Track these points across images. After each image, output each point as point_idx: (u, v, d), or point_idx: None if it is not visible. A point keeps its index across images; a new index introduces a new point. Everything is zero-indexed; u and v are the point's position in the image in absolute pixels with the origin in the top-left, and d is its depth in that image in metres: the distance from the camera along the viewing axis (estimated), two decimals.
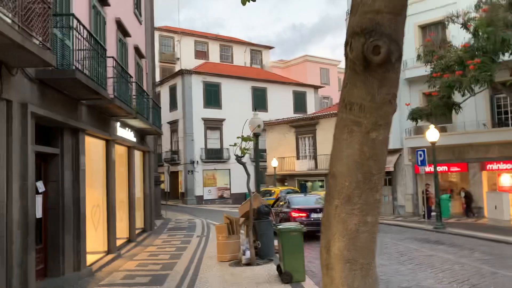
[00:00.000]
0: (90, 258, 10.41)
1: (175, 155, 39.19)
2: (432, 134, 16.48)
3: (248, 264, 9.82)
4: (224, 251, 10.45)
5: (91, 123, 10.13)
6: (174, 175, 39.78)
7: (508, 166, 20.12)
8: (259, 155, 10.82)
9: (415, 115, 18.32)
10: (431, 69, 18.56)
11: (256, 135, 11.04)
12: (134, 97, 13.15)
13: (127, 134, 13.54)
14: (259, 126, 10.90)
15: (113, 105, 10.08)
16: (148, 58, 18.65)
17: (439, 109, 17.53)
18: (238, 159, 10.11)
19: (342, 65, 61.29)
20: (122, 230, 13.87)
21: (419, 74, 23.10)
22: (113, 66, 10.05)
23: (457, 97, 18.39)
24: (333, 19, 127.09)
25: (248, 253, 9.99)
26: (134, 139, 14.53)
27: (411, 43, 24.18)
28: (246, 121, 11.15)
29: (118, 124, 12.41)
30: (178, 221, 22.63)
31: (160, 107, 18.95)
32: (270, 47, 53.28)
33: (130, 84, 11.90)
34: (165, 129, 41.42)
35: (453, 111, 18.23)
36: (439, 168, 22.16)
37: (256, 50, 51.53)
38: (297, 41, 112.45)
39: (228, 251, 10.42)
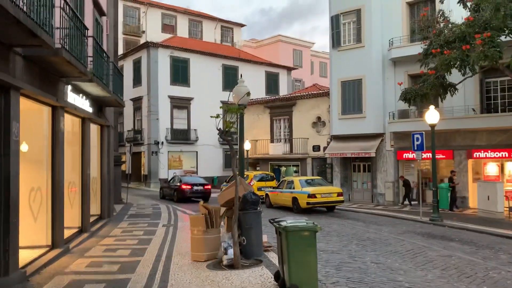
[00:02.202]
0: (25, 256, 8.10)
1: (138, 135, 36.44)
2: (432, 115, 14.87)
3: (231, 265, 7.80)
4: (200, 249, 8.37)
5: (30, 81, 7.72)
6: (136, 156, 37.05)
7: (496, 154, 18.98)
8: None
9: (408, 95, 16.71)
10: (425, 46, 16.95)
11: (242, 107, 8.92)
12: (91, 57, 10.68)
13: (81, 102, 11.10)
14: (248, 93, 8.76)
15: (60, 58, 7.69)
16: (110, 18, 16.02)
17: (435, 90, 15.97)
18: (222, 134, 8.01)
19: (316, 47, 59.67)
20: (72, 218, 11.49)
21: (405, 54, 21.61)
22: (61, 7, 7.63)
23: (451, 78, 16.94)
24: (302, 5, 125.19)
25: (230, 251, 7.96)
26: (90, 110, 12.08)
27: (398, 21, 22.61)
28: (229, 94, 9.01)
29: (69, 88, 9.97)
30: (141, 207, 20.30)
31: (123, 75, 16.40)
32: (242, 25, 50.79)
33: (85, 38, 9.47)
34: (128, 107, 38.45)
35: (448, 93, 16.72)
36: (423, 155, 20.90)
37: (227, 27, 48.94)
38: (265, 25, 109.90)
39: (206, 249, 8.35)
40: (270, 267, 7.61)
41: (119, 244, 10.73)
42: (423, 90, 16.29)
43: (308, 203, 17.28)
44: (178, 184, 23.54)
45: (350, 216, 17.12)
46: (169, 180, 26.03)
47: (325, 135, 25.55)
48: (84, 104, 11.33)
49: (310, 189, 17.57)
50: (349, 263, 8.31)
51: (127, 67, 38.39)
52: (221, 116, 8.14)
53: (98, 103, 13.26)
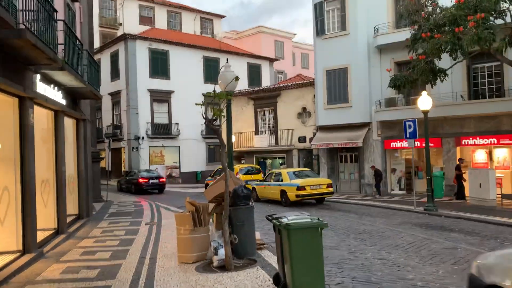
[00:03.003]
0: None
1: (117, 130, 35.28)
2: (425, 101, 14.35)
3: (222, 267, 7.11)
4: (187, 249, 7.64)
5: None
6: (117, 152, 35.93)
7: (485, 141, 18.70)
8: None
9: (397, 82, 16.20)
10: (413, 31, 16.47)
11: (230, 93, 8.18)
12: (62, 45, 9.78)
13: (53, 94, 10.19)
14: (237, 78, 8.00)
15: (24, 41, 6.82)
16: (83, 5, 15.02)
17: (425, 75, 15.48)
18: (210, 123, 7.27)
19: (297, 38, 59.04)
20: (47, 219, 10.63)
21: (391, 40, 21.16)
22: None
23: (440, 64, 16.51)
24: None
25: (221, 251, 7.27)
26: (64, 102, 11.16)
27: (383, 7, 22.11)
28: (219, 73, 8.25)
29: (39, 77, 9.07)
30: (122, 204, 19.43)
31: (98, 65, 15.43)
32: (222, 16, 49.73)
33: (54, 22, 8.57)
34: (106, 101, 37.24)
35: (438, 79, 16.26)
36: (406, 144, 20.42)
37: (207, 18, 47.81)
38: (244, 18, 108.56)
39: (194, 249, 7.62)
40: (266, 268, 6.94)
41: (98, 246, 9.93)
42: (413, 76, 15.80)
43: (297, 196, 16.67)
44: (136, 178, 26.45)
45: (340, 208, 16.60)
46: (126, 174, 28.52)
47: (311, 125, 24.98)
48: (56, 95, 10.42)
49: (299, 181, 16.97)
50: (350, 260, 7.71)
51: (104, 60, 37.10)
52: (205, 103, 7.42)
53: (72, 95, 12.33)
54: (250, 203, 7.90)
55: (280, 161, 27.20)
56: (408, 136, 14.60)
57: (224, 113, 7.70)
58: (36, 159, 9.18)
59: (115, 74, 35.87)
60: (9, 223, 8.12)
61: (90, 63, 12.91)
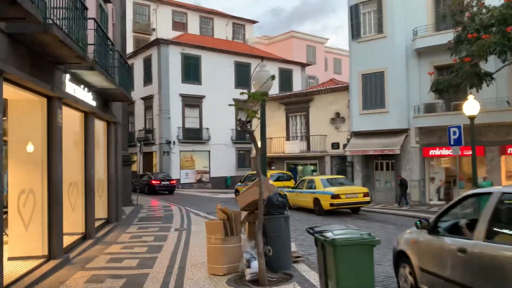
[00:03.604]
0: (16, 269, 6.98)
1: (149, 134, 35.40)
2: (471, 106, 13.40)
3: (255, 281, 6.55)
4: (218, 260, 7.13)
5: (17, 65, 6.57)
6: (148, 156, 36.08)
7: None
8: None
9: (440, 86, 15.30)
10: (456, 33, 15.55)
11: (266, 94, 7.65)
12: (93, 45, 9.53)
13: (83, 94, 9.96)
14: (273, 77, 7.47)
15: (51, 36, 6.52)
16: (116, 6, 14.89)
17: (470, 79, 14.53)
18: (243, 126, 6.76)
19: (330, 43, 58.12)
20: (74, 223, 10.38)
21: (431, 43, 20.18)
22: None
23: (485, 67, 15.48)
24: (312, 4, 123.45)
25: (254, 264, 6.71)
26: (94, 103, 10.93)
27: (422, 8, 21.17)
28: (253, 72, 7.76)
29: (68, 77, 8.82)
30: (152, 209, 19.19)
31: (130, 66, 15.26)
32: (254, 21, 49.54)
33: (85, 20, 8.31)
34: (139, 106, 37.56)
35: (484, 83, 15.25)
36: (447, 152, 19.44)
37: (239, 24, 47.69)
38: (276, 25, 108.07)
39: (225, 260, 7.10)
40: (304, 284, 6.34)
41: (126, 252, 9.56)
42: (457, 80, 14.87)
43: (331, 204, 15.93)
44: (149, 179, 28.63)
45: (377, 218, 15.76)
46: (139, 177, 29.85)
47: (345, 131, 24.17)
48: (86, 96, 10.18)
49: (334, 189, 16.23)
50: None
51: (138, 65, 37.45)
52: (238, 105, 6.92)
53: (103, 96, 12.12)
54: (286, 212, 7.32)
55: (312, 167, 26.47)
56: (452, 143, 13.66)
57: (258, 115, 7.19)
58: (64, 161, 8.92)
59: (147, 79, 36.10)
60: (34, 227, 7.84)
61: (122, 65, 12.70)
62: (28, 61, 7.03)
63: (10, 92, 7.61)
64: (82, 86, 9.87)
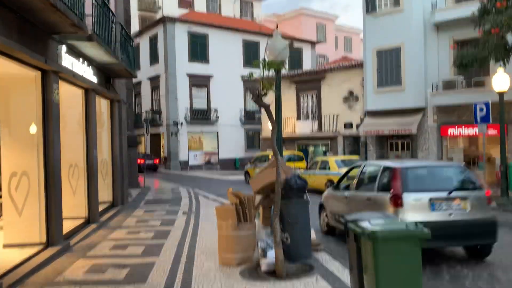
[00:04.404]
0: (11, 258, 6.40)
1: (156, 115, 34.76)
2: (501, 80, 12.45)
3: (272, 272, 5.88)
4: (230, 249, 6.45)
5: (4, 32, 5.83)
6: (156, 138, 35.53)
7: None
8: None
9: (465, 60, 14.31)
10: (481, 3, 14.49)
11: (278, 67, 6.85)
12: (92, 16, 8.75)
13: (82, 69, 9.21)
14: (291, 44, 6.68)
15: (42, 0, 5.75)
16: None
17: (498, 52, 13.52)
18: (257, 99, 6.00)
19: (341, 19, 56.56)
20: (76, 207, 9.77)
21: (452, 17, 19.05)
22: None
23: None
24: None
25: (270, 254, 6.04)
26: (95, 79, 10.19)
27: None
28: (266, 43, 6.95)
29: (64, 48, 8.07)
30: (159, 191, 18.63)
31: (133, 40, 14.45)
32: None
33: None
34: (146, 86, 36.85)
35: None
36: (471, 131, 18.58)
37: (247, 1, 46.38)
38: (283, 4, 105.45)
39: (238, 249, 6.42)
40: (328, 278, 5.65)
41: (131, 238, 8.95)
42: (483, 54, 13.87)
43: None
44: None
45: None
46: None
47: (358, 110, 23.28)
48: (86, 71, 9.44)
49: None
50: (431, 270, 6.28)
51: (143, 45, 36.59)
52: (252, 76, 6.14)
53: (104, 72, 11.38)
54: (305, 196, 6.61)
55: (324, 148, 25.69)
56: (479, 120, 12.76)
57: (273, 88, 6.42)
58: (63, 141, 8.25)
59: (154, 59, 35.26)
60: (30, 213, 7.20)
61: (124, 38, 11.89)
62: (16, 28, 6.28)
63: None
64: (81, 60, 9.12)
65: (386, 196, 6.67)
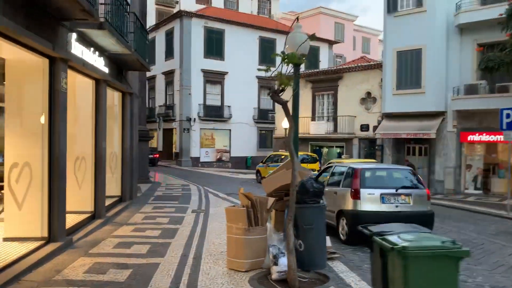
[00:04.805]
0: (9, 251, 6.09)
1: (169, 110, 34.52)
2: None
3: (283, 281, 5.47)
4: (240, 254, 6.05)
5: (10, 15, 5.50)
6: (168, 133, 35.33)
7: None
8: (293, 107, 6.32)
9: (490, 63, 13.72)
10: (510, 5, 13.91)
11: (299, 61, 6.41)
12: (104, 4, 8.41)
13: (93, 59, 8.89)
14: (313, 36, 6.21)
15: None
16: None
17: None
18: (274, 95, 5.58)
19: (359, 21, 55.78)
20: (82, 201, 9.47)
21: (476, 19, 18.40)
22: None
23: None
24: None
25: (282, 261, 5.62)
26: (106, 70, 9.87)
27: None
28: (286, 38, 6.51)
29: (74, 36, 7.74)
30: (169, 187, 18.32)
31: (147, 32, 14.13)
32: None
33: None
34: (160, 80, 36.66)
35: None
36: (492, 138, 17.95)
37: None
38: (302, 4, 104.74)
39: (248, 254, 6.02)
40: None
41: (136, 236, 8.61)
42: (510, 57, 13.27)
43: None
44: None
45: None
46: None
47: (376, 113, 22.69)
48: (97, 61, 9.12)
49: None
50: None
51: (159, 39, 36.39)
52: (269, 69, 5.73)
53: (116, 63, 11.06)
54: (322, 201, 6.18)
55: (338, 150, 25.14)
56: (505, 127, 12.16)
57: (292, 84, 5.99)
58: (70, 132, 7.95)
59: (169, 53, 35.02)
60: (31, 206, 6.89)
61: (138, 29, 11.56)
62: (23, 11, 5.95)
63: (5, 50, 6.61)
64: (92, 49, 8.80)
65: (348, 190, 8.46)
